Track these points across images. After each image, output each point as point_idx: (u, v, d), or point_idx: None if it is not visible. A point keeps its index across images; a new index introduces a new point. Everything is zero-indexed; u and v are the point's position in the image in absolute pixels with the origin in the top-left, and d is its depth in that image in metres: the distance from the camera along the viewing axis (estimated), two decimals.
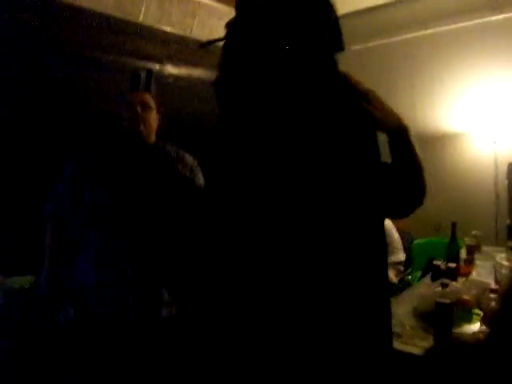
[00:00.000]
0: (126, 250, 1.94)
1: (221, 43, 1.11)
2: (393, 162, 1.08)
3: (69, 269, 2.08)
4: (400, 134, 1.08)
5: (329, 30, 1.06)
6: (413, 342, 1.53)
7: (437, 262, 2.26)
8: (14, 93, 2.69)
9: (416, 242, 3.74)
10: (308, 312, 0.99)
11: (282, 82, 1.03)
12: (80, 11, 2.95)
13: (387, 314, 1.10)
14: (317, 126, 1.01)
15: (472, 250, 2.61)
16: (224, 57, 1.09)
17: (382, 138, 1.08)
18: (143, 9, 3.28)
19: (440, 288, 1.74)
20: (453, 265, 2.18)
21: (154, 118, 2.13)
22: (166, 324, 2.00)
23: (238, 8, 1.10)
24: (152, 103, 2.15)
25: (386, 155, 1.08)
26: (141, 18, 3.28)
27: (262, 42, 1.03)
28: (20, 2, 2.68)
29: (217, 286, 1.09)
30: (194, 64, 3.52)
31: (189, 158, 2.20)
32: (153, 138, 2.14)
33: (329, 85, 1.06)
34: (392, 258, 3.40)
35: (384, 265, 1.10)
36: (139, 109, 2.07)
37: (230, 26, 1.09)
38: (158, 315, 1.98)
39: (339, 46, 1.11)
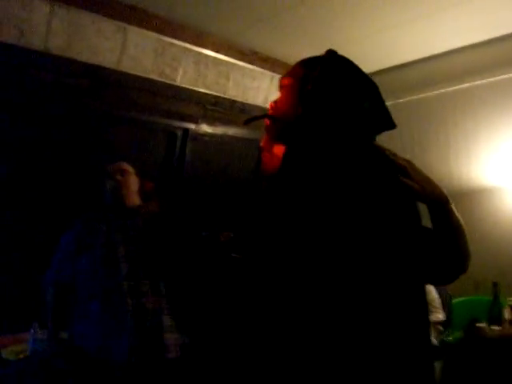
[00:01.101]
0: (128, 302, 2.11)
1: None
2: (434, 231, 1.07)
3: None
4: (439, 204, 1.07)
5: (365, 108, 1.12)
6: None
7: (480, 325, 2.17)
8: (56, 152, 2.87)
9: (455, 300, 3.59)
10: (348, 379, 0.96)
11: (328, 161, 1.10)
12: (121, 75, 3.15)
13: (432, 382, 1.05)
14: (357, 198, 1.03)
15: None
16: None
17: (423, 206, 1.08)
18: (181, 72, 3.45)
19: None
20: (496, 327, 2.08)
21: (133, 182, 2.39)
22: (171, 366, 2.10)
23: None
24: (130, 168, 2.42)
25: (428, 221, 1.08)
26: (178, 80, 3.45)
27: (310, 124, 1.12)
28: (69, 68, 2.90)
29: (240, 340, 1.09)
30: (228, 123, 3.64)
31: (167, 213, 2.44)
32: (136, 198, 2.37)
33: (368, 160, 1.09)
34: (431, 318, 3.26)
35: (426, 330, 1.08)
36: (119, 176, 2.34)
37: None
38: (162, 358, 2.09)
39: (389, 123, 1.16)
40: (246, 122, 1.23)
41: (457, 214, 1.08)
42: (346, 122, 1.09)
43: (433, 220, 1.07)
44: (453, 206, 1.08)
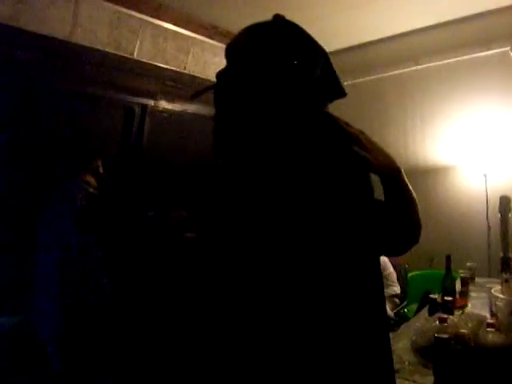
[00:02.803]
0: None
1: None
2: (386, 202, 1.07)
3: None
4: (392, 175, 1.06)
5: (315, 76, 1.07)
6: (413, 379, 1.51)
7: (433, 296, 2.25)
8: (9, 129, 2.70)
9: (411, 274, 3.72)
10: (305, 353, 0.97)
11: (272, 128, 1.05)
12: (75, 48, 2.99)
13: (387, 351, 1.08)
14: (308, 169, 1.01)
15: (467, 283, 2.60)
16: (216, 104, 1.11)
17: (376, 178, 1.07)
18: (138, 45, 3.32)
19: (438, 323, 1.72)
20: (449, 298, 2.17)
21: None
22: None
23: (226, 57, 1.12)
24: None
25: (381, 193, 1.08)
26: (135, 54, 3.32)
27: (250, 89, 1.05)
28: (16, 39, 2.70)
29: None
30: (187, 99, 3.57)
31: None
32: None
33: (319, 128, 1.06)
34: (387, 291, 3.38)
35: (381, 302, 1.09)
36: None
37: (220, 75, 1.10)
38: None
39: (340, 91, 1.12)
40: (193, 97, 1.15)
41: (408, 184, 1.07)
42: (296, 90, 1.04)
43: (385, 190, 1.07)
44: (405, 177, 1.07)
